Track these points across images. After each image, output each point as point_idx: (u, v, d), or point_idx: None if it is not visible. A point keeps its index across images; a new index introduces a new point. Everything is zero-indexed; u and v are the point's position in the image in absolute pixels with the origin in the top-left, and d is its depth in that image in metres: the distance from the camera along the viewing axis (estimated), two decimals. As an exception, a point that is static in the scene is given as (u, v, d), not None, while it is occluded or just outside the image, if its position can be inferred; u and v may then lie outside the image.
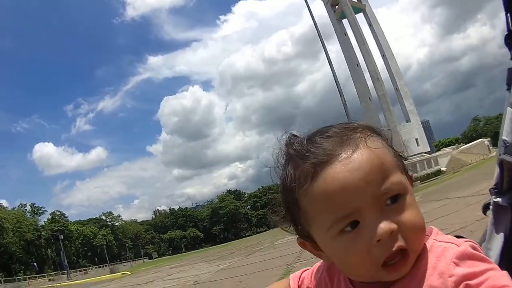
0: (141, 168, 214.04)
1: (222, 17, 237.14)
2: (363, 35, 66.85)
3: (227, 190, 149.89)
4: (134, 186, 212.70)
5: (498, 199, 0.94)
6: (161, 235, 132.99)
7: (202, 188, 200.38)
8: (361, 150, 0.68)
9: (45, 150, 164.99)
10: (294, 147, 0.75)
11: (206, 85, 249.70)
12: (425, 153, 61.21)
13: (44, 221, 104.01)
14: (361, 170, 0.66)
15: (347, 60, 68.55)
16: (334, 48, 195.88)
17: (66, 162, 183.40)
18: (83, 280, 38.37)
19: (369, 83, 67.12)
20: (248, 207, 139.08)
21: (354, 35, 66.66)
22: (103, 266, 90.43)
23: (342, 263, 0.71)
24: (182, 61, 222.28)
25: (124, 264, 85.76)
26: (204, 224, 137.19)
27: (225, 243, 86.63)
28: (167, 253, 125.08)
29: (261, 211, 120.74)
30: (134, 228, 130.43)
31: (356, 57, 67.03)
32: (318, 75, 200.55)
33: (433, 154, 62.83)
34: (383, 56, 66.39)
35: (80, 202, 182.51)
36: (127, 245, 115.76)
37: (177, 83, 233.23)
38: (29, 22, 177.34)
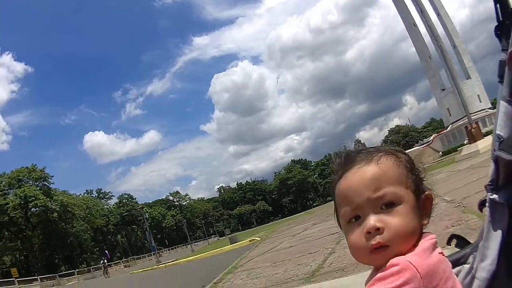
0: (197, 148, 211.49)
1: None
2: None
3: (291, 160, 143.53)
4: (190, 167, 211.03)
5: (495, 196, 0.93)
6: (229, 211, 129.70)
7: (259, 164, 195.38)
8: (371, 164, 0.91)
9: (95, 139, 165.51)
10: (338, 159, 1.00)
11: (255, 60, 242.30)
12: (488, 109, 57.51)
13: (111, 206, 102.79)
14: (363, 177, 0.90)
15: (404, 20, 66.30)
16: (379, 13, 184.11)
17: (119, 149, 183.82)
18: (199, 255, 32.76)
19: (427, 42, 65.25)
20: (316, 175, 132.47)
21: None
22: (176, 247, 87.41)
23: (349, 246, 0.92)
24: (228, 39, 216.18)
25: (195, 244, 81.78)
26: (273, 196, 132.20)
27: (299, 213, 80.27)
28: (238, 229, 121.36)
29: (329, 179, 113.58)
30: (201, 206, 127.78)
31: (412, 16, 64.49)
32: (365, 42, 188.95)
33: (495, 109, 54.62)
34: (438, 15, 62.68)
35: (136, 187, 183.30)
36: (197, 224, 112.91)
37: (225, 60, 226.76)
38: (71, 14, 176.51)
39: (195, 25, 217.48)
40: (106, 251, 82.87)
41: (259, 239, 28.99)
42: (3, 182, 68.00)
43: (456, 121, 58.07)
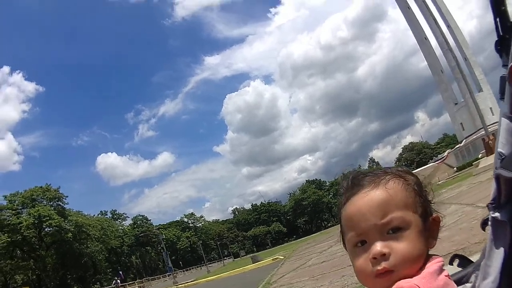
0: (210, 170, 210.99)
1: (272, 10, 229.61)
2: (428, 6, 63.45)
3: (306, 180, 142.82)
4: (204, 189, 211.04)
5: (497, 214, 0.92)
6: (243, 233, 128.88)
7: (273, 185, 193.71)
8: (378, 189, 0.90)
9: (108, 160, 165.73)
10: (345, 181, 0.99)
11: (267, 79, 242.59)
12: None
13: (125, 227, 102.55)
14: (370, 203, 0.89)
15: (415, 34, 65.98)
16: (388, 28, 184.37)
17: (132, 171, 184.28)
18: (220, 274, 31.94)
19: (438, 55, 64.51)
20: (331, 195, 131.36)
21: (419, 8, 63.42)
22: (190, 269, 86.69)
23: (354, 270, 0.92)
24: (239, 58, 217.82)
25: (210, 265, 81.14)
26: (288, 217, 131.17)
27: (314, 234, 79.52)
28: (252, 250, 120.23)
29: (336, 201, 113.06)
30: (216, 228, 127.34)
31: (423, 30, 64.11)
32: (376, 57, 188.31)
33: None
34: (448, 27, 62.67)
35: (150, 209, 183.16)
36: (211, 246, 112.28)
37: (237, 80, 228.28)
38: (83, 35, 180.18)
39: (206, 44, 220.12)
40: (120, 272, 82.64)
41: (283, 257, 28.59)
42: (17, 201, 67.90)
43: (470, 135, 57.38)
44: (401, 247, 0.86)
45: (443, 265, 0.88)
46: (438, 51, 64.14)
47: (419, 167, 79.49)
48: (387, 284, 0.85)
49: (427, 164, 77.20)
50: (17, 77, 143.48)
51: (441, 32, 61.01)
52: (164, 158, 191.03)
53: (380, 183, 0.92)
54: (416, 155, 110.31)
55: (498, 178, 0.90)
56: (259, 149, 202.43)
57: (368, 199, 0.90)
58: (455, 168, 56.16)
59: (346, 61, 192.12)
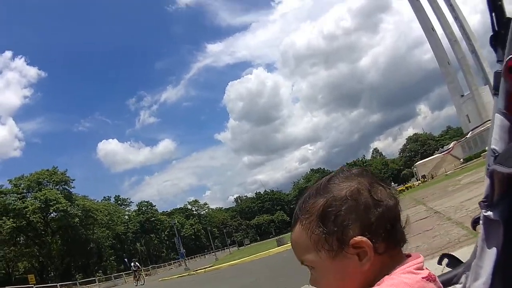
0: (211, 158, 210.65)
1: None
2: None
3: (310, 169, 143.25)
4: (205, 177, 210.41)
5: (489, 213, 0.90)
6: (247, 221, 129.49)
7: (274, 174, 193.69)
8: (292, 232, 0.92)
9: (109, 147, 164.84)
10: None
11: (270, 67, 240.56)
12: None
13: (131, 213, 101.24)
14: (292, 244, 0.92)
15: (422, 25, 66.08)
16: (392, 19, 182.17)
17: (133, 158, 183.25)
18: (243, 259, 28.23)
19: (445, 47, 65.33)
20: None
21: None
22: (194, 257, 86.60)
23: None
24: (242, 46, 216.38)
25: (212, 254, 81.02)
26: (291, 206, 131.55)
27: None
28: (256, 239, 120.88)
29: None
30: (220, 215, 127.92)
31: (430, 21, 64.19)
32: (379, 48, 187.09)
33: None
34: (456, 18, 61.20)
35: (150, 197, 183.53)
36: (215, 234, 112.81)
37: (240, 67, 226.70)
38: (85, 20, 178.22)
39: (208, 31, 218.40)
40: (126, 259, 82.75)
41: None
42: (22, 185, 65.61)
43: (476, 127, 57.22)
44: (320, 282, 0.87)
45: (419, 267, 0.82)
46: (445, 42, 63.96)
47: (423, 159, 79.59)
48: None
49: (433, 155, 77.13)
50: (19, 62, 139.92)
51: (448, 24, 60.88)
52: (165, 145, 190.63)
53: (293, 226, 0.92)
54: (420, 146, 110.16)
55: (492, 175, 0.88)
56: (260, 137, 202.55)
57: (290, 242, 0.93)
58: (461, 160, 56.24)
59: (349, 51, 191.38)
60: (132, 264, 37.50)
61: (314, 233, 0.86)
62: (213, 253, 65.40)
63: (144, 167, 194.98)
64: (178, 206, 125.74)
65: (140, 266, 38.64)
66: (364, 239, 0.82)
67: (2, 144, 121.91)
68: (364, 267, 0.82)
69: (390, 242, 0.84)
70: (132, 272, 38.81)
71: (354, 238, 0.82)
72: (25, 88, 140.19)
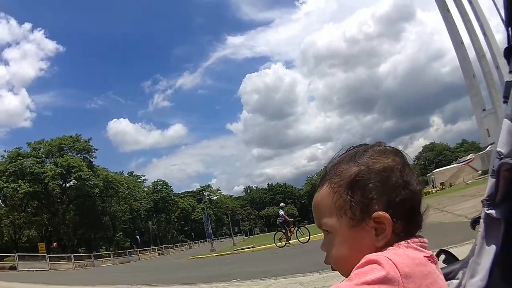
0: (221, 147, 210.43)
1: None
2: (466, 11, 62.45)
3: (324, 166, 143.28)
4: (212, 165, 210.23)
5: (491, 211, 0.90)
6: (256, 211, 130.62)
7: (281, 169, 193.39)
8: (317, 193, 0.94)
9: (120, 126, 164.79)
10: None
11: (288, 64, 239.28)
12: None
13: (147, 190, 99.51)
14: (312, 207, 0.94)
15: (451, 37, 64.23)
16: (415, 29, 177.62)
17: (143, 139, 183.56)
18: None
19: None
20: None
21: (458, 12, 62.10)
22: (204, 241, 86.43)
23: None
24: (262, 41, 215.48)
25: (221, 240, 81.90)
26: (302, 201, 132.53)
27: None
28: (264, 230, 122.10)
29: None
30: (230, 203, 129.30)
31: (460, 34, 62.59)
32: (399, 57, 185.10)
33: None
34: (484, 35, 59.92)
35: (156, 180, 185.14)
36: (224, 220, 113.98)
37: (258, 61, 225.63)
38: (108, 2, 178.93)
39: (230, 23, 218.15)
40: (138, 236, 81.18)
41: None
42: (42, 149, 62.84)
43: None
44: (332, 248, 0.88)
45: (423, 246, 0.83)
46: (471, 55, 64.21)
47: (437, 168, 80.00)
48: (343, 272, 0.87)
49: (448, 165, 77.57)
50: (38, 34, 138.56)
51: (478, 38, 60.99)
52: (177, 129, 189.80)
53: (320, 186, 0.94)
54: (436, 156, 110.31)
55: (498, 174, 0.89)
56: (272, 132, 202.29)
57: (313, 202, 0.94)
58: (479, 172, 56.80)
59: (369, 56, 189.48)
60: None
61: (341, 198, 0.87)
62: (227, 238, 63.26)
63: (153, 149, 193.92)
64: (190, 189, 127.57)
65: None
66: (387, 215, 0.82)
67: (14, 113, 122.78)
68: (378, 243, 0.83)
69: (409, 226, 0.85)
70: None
71: (378, 212, 0.83)
72: (41, 61, 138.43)
